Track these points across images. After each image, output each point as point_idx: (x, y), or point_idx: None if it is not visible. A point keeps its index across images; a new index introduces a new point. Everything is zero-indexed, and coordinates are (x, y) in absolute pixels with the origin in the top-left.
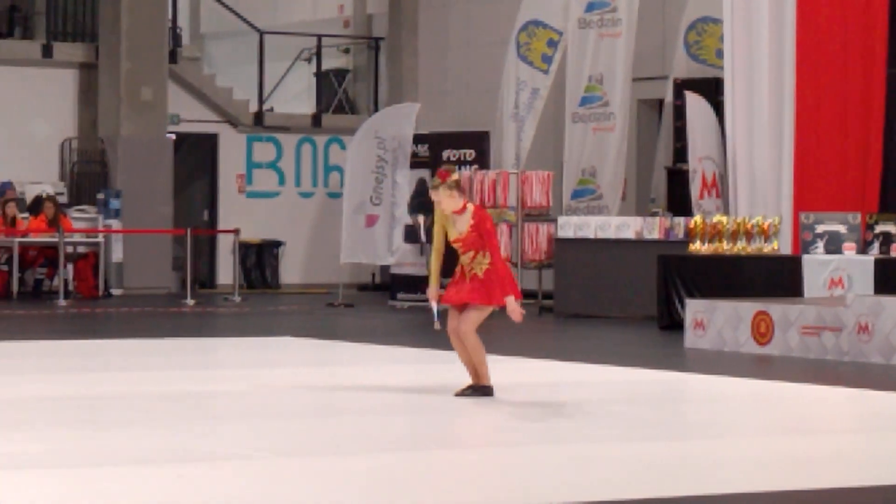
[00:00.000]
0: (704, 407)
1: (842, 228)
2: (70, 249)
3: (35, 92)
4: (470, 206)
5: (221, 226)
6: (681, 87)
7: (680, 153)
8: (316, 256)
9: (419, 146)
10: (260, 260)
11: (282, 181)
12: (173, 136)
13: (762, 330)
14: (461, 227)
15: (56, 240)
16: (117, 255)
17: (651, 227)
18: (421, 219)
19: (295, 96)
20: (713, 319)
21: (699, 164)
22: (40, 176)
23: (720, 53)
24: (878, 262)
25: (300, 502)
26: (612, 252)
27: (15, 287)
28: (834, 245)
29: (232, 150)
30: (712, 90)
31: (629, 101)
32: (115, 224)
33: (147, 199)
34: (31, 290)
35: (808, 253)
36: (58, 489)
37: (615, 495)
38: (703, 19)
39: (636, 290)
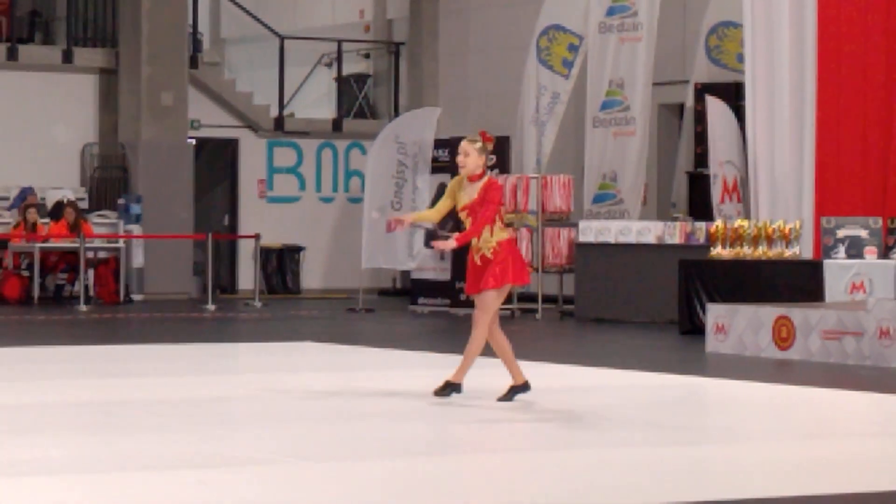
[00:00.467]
0: (725, 411)
1: (863, 233)
2: (91, 255)
3: (56, 97)
4: (486, 177)
5: (242, 231)
6: (701, 91)
7: (701, 158)
8: (337, 261)
9: (440, 151)
10: (281, 265)
11: (302, 186)
12: (194, 142)
13: (783, 335)
14: (471, 194)
15: (77, 245)
16: (138, 260)
17: (672, 232)
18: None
19: (315, 101)
20: (734, 324)
21: (720, 168)
22: (61, 181)
23: (741, 58)
24: None
25: None
26: (633, 257)
27: (36, 292)
28: (855, 249)
29: (252, 155)
30: (733, 94)
31: (650, 105)
32: (135, 229)
33: (168, 204)
34: (51, 296)
35: (829, 257)
36: (79, 494)
37: (636, 500)
38: (723, 23)
39: (657, 294)
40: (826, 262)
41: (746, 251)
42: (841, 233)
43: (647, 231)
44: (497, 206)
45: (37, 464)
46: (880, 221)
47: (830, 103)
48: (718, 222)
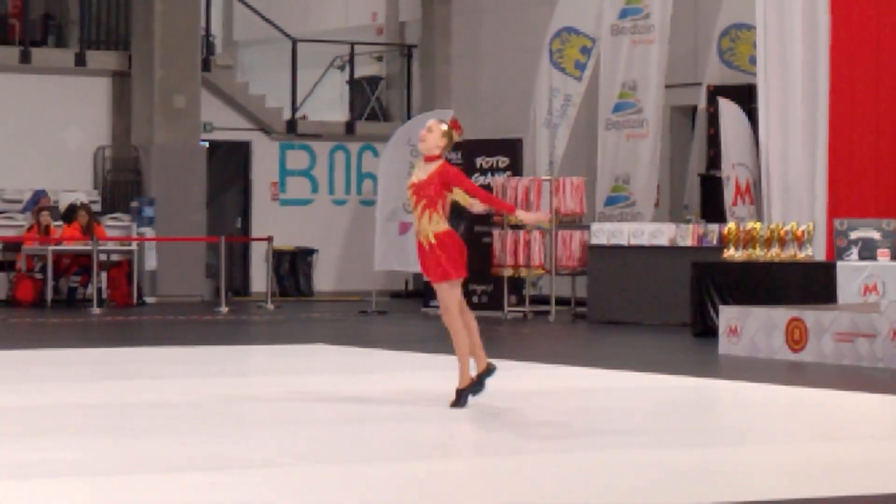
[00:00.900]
0: (738, 414)
1: (876, 235)
2: (104, 257)
3: (69, 100)
4: (441, 161)
5: (255, 233)
6: (714, 93)
7: (713, 160)
8: (349, 264)
9: (452, 153)
10: (293, 267)
11: (315, 189)
12: (206, 144)
13: (796, 336)
14: (421, 174)
15: (90, 248)
16: (151, 263)
17: (684, 234)
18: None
19: (328, 104)
20: (747, 326)
21: (732, 170)
22: (74, 184)
23: (753, 60)
24: None
25: None
26: (646, 259)
27: (49, 295)
28: (868, 251)
29: (265, 158)
30: (745, 97)
31: (662, 107)
32: (148, 232)
33: (180, 206)
34: (65, 299)
35: (842, 259)
36: (93, 496)
37: (648, 502)
38: (736, 25)
39: (670, 296)
40: (839, 263)
41: (759, 253)
42: (854, 234)
43: (659, 233)
44: (463, 176)
45: (50, 466)
46: (893, 223)
47: (843, 105)
48: (731, 224)
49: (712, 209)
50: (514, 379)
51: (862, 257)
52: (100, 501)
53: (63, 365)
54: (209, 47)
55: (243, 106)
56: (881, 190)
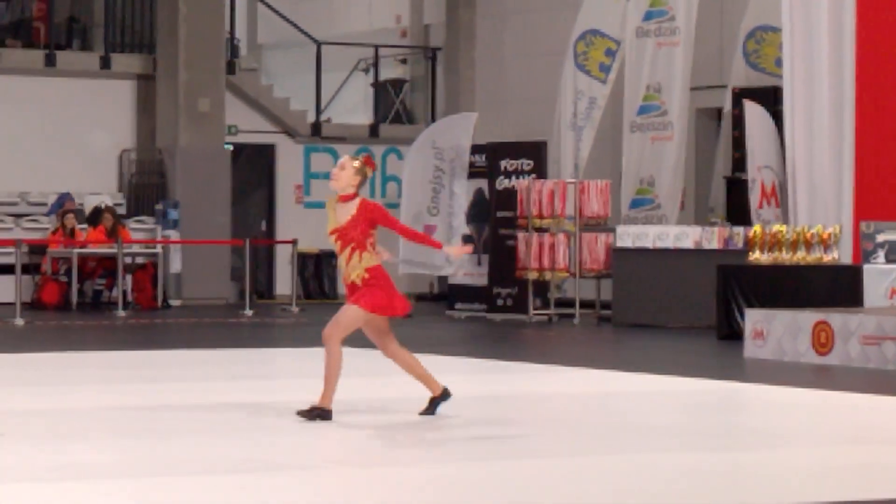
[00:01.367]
0: (763, 417)
1: None
2: (129, 260)
3: (93, 103)
4: (358, 199)
5: (279, 236)
6: (739, 95)
7: (739, 162)
8: None
9: (476, 156)
10: (318, 270)
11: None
12: (231, 147)
13: (822, 340)
14: (341, 218)
15: (115, 251)
16: (175, 265)
17: (710, 237)
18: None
19: (352, 107)
20: (773, 329)
21: (758, 173)
22: (99, 187)
23: (779, 62)
24: None
25: None
26: (671, 262)
27: (74, 298)
28: (895, 254)
29: (289, 161)
30: (771, 99)
31: (687, 110)
32: (173, 235)
33: (205, 209)
34: (90, 301)
35: (868, 262)
36: (122, 499)
37: None
38: (761, 27)
39: (695, 299)
40: (865, 266)
41: (785, 256)
42: (880, 237)
43: (684, 236)
44: (390, 217)
45: (79, 468)
46: None
47: (869, 107)
48: (757, 227)
49: (738, 212)
50: (539, 382)
51: (889, 260)
52: (135, 502)
53: (88, 368)
54: (233, 50)
55: (268, 109)
56: None
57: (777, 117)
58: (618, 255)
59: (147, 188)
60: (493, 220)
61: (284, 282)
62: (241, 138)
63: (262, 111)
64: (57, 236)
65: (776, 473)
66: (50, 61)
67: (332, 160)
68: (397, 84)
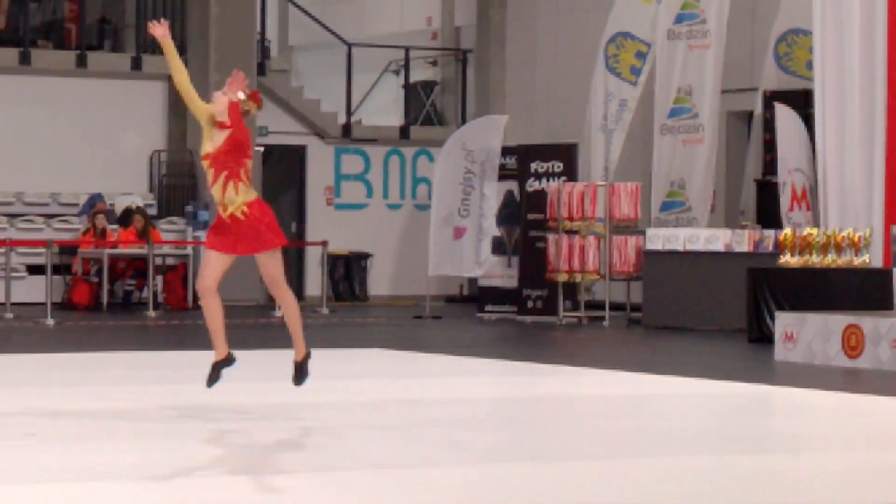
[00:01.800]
0: (793, 420)
1: None
2: (159, 261)
3: (125, 104)
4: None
5: (309, 238)
6: (770, 98)
7: (769, 165)
8: (404, 268)
9: (507, 158)
10: (348, 272)
11: (370, 193)
12: (262, 148)
13: (853, 343)
14: (217, 141)
15: (145, 251)
16: None
17: (740, 240)
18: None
19: (383, 108)
20: (803, 332)
21: (789, 176)
22: (130, 188)
23: (810, 65)
24: None
25: None
26: (701, 264)
27: (105, 298)
28: None
29: (320, 162)
30: (802, 102)
31: (718, 112)
32: (203, 236)
33: None
34: (120, 302)
35: None
36: (152, 500)
37: None
38: (793, 31)
39: (725, 302)
40: None
41: (815, 259)
42: None
43: (715, 239)
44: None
45: (106, 469)
46: None
47: None
48: (787, 230)
49: (768, 215)
50: (568, 384)
51: None
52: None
53: (118, 368)
54: (264, 52)
55: (298, 110)
56: None
57: (808, 120)
58: (648, 257)
59: (177, 189)
60: (524, 223)
61: (314, 283)
62: (272, 140)
63: (293, 113)
64: (88, 237)
65: (805, 477)
66: (81, 62)
67: (362, 162)
68: (428, 86)
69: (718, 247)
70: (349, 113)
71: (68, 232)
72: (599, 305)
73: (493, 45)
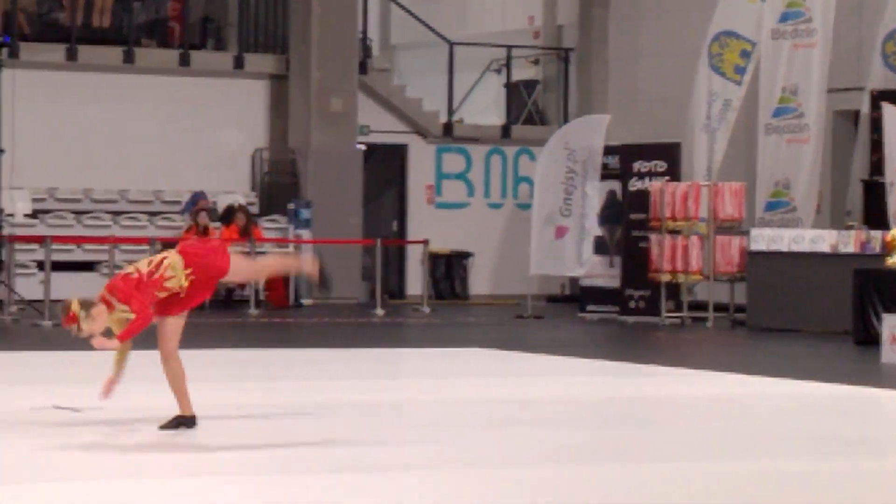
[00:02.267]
0: None
1: None
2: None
3: (227, 103)
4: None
5: (410, 236)
6: (878, 98)
7: (877, 165)
8: (505, 268)
9: (609, 158)
10: (449, 271)
11: (471, 192)
12: (363, 147)
13: None
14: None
15: (247, 250)
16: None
17: (846, 241)
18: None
19: (484, 107)
20: None
21: None
22: (232, 186)
23: None
24: None
25: None
26: (807, 265)
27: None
28: None
29: (421, 161)
30: None
31: (824, 112)
32: (305, 234)
33: (337, 209)
34: (222, 300)
35: None
36: (253, 495)
37: None
38: None
39: (831, 304)
40: None
41: None
42: None
43: (820, 239)
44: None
45: (222, 465)
46: None
47: None
48: (894, 231)
49: (875, 215)
50: (669, 385)
51: None
52: (268, 500)
53: (218, 366)
54: (366, 50)
55: (400, 109)
56: None
57: None
58: (752, 258)
59: (279, 187)
60: (626, 222)
61: (415, 282)
62: (373, 138)
63: (394, 111)
64: (190, 234)
65: None
66: (184, 61)
67: (463, 161)
68: (530, 85)
69: (824, 248)
70: (450, 112)
71: (171, 230)
72: (702, 306)
73: (595, 44)
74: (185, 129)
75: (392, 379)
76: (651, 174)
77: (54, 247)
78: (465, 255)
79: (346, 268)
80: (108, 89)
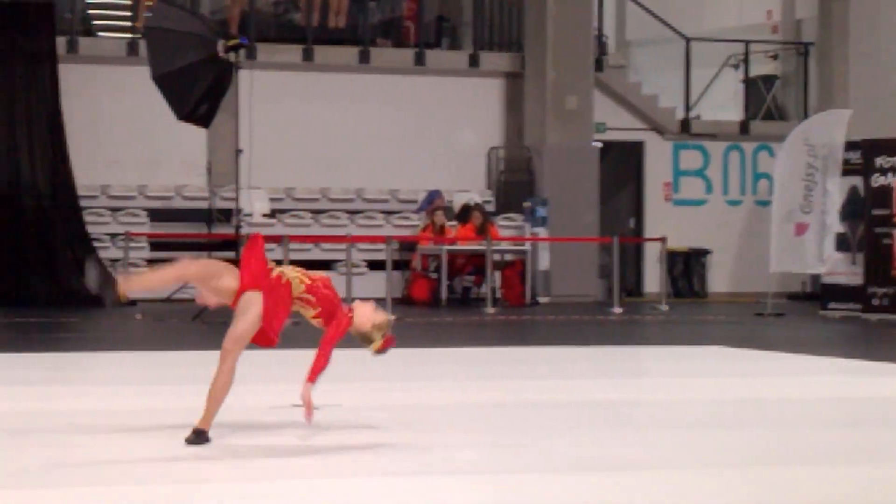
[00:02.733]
0: None
1: None
2: (497, 257)
3: (462, 101)
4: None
5: (648, 234)
6: None
7: None
8: (744, 265)
9: (850, 153)
10: (687, 268)
11: (709, 189)
12: (599, 144)
13: None
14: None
15: (483, 248)
16: (544, 263)
17: None
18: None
19: (722, 103)
20: None
21: None
22: (467, 184)
23: None
24: None
25: None
26: None
27: (443, 294)
28: None
29: (658, 158)
30: None
31: None
32: (541, 232)
33: (573, 207)
34: (459, 298)
35: None
36: (491, 494)
37: None
38: None
39: None
40: None
41: None
42: None
43: None
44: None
45: (450, 463)
46: None
47: None
48: None
49: None
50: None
51: None
52: (499, 500)
53: (454, 364)
54: (601, 47)
55: (636, 106)
56: None
57: None
58: None
59: (515, 186)
60: (868, 219)
61: (653, 280)
62: (610, 136)
63: (630, 108)
64: (426, 233)
65: None
66: (419, 60)
67: (701, 157)
68: (768, 80)
69: None
70: (688, 108)
71: (407, 228)
72: None
73: (835, 38)
74: (421, 128)
75: (631, 377)
76: (894, 170)
77: (292, 246)
78: (703, 253)
79: (582, 266)
80: (344, 89)
